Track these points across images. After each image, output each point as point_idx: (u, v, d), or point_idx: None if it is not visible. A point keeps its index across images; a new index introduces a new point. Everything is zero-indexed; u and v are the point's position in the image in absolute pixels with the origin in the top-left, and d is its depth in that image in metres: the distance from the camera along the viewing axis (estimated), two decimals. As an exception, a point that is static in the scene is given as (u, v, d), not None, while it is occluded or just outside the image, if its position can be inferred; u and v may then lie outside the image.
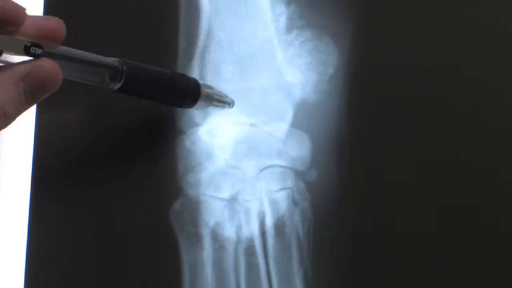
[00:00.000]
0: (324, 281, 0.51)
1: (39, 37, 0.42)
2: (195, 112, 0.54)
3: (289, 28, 0.54)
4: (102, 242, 0.55)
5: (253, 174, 0.53)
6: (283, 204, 0.53)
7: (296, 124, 0.53)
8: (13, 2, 0.41)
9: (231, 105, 0.53)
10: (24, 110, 0.41)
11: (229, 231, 0.53)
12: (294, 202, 0.52)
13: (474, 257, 0.49)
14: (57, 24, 0.44)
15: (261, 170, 0.53)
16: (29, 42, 0.40)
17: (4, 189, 0.58)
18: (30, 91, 0.41)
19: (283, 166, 0.53)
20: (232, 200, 0.53)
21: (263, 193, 0.53)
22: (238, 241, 0.53)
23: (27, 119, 0.57)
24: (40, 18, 0.43)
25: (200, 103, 0.52)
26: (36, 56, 0.40)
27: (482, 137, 0.50)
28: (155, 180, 0.54)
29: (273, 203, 0.53)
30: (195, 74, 0.54)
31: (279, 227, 0.53)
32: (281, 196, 0.53)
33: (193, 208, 0.53)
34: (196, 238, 0.53)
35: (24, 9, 0.41)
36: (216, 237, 0.53)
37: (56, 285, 0.55)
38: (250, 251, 0.53)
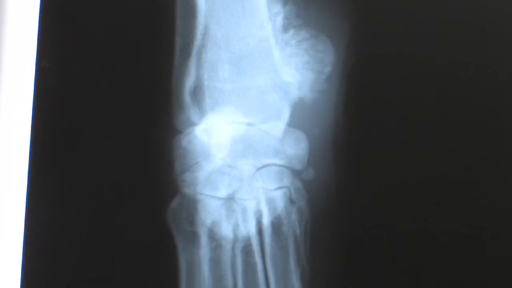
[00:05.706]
0: (321, 279, 0.51)
1: None
2: (191, 111, 0.54)
3: (285, 27, 0.54)
4: (99, 241, 0.54)
5: (250, 173, 0.53)
6: (280, 203, 0.53)
7: (293, 123, 0.53)
8: None
9: None
10: None
11: (226, 230, 0.53)
12: (291, 201, 0.52)
13: (474, 257, 0.49)
14: None
15: (258, 169, 0.53)
16: None
17: (3, 188, 0.57)
18: None
19: (280, 165, 0.53)
20: (229, 199, 0.53)
21: (260, 192, 0.53)
22: (235, 240, 0.53)
23: (24, 117, 0.56)
24: None
25: None
26: None
27: (480, 138, 0.50)
28: (152, 179, 0.54)
29: (270, 202, 0.53)
30: (191, 73, 0.54)
31: (276, 226, 0.53)
32: (278, 195, 0.53)
33: (190, 207, 0.53)
34: (193, 237, 0.53)
35: None
36: (213, 236, 0.53)
37: (53, 284, 0.55)
38: (247, 250, 0.53)
